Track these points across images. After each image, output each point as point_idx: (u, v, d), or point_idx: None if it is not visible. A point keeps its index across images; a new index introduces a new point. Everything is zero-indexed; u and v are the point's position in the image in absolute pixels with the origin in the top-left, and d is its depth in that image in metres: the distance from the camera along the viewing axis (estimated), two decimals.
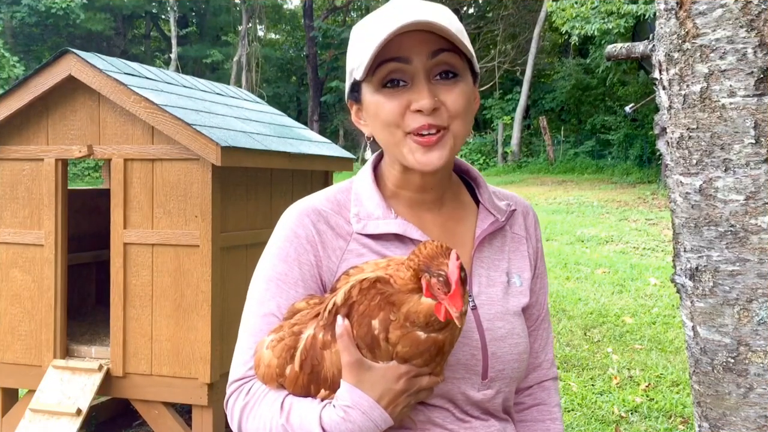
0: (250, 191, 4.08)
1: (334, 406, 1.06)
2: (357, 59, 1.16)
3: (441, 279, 0.99)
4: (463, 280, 1.00)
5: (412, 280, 1.02)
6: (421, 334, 1.02)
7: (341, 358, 1.05)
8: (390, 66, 1.13)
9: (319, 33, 30.86)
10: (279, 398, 1.10)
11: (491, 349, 1.19)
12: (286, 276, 1.18)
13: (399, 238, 1.20)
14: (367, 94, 1.18)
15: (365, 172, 1.28)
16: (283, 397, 1.10)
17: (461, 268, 1.00)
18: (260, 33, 36.97)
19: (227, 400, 1.17)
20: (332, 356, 1.06)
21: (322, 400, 1.08)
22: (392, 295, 1.02)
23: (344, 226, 1.21)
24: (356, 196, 1.24)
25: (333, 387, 1.07)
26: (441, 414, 1.16)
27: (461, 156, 24.45)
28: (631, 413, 4.52)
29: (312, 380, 1.08)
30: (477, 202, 1.32)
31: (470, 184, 1.35)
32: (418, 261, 1.02)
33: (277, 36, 40.05)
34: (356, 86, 1.20)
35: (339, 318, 1.05)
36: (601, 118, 22.96)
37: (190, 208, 3.70)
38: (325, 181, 5.08)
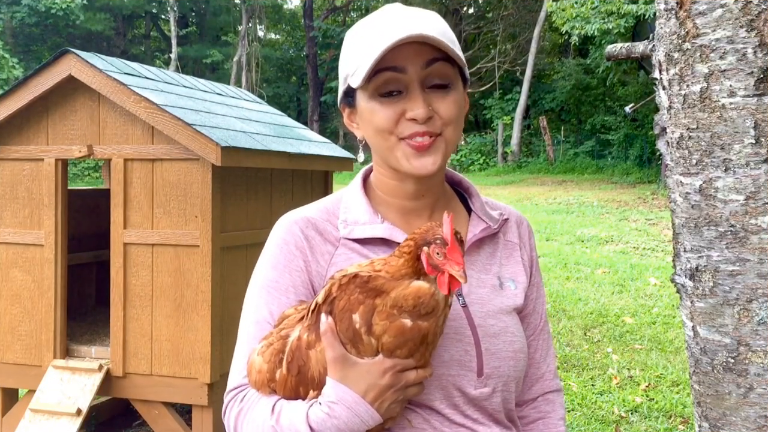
0: (250, 191, 4.08)
1: (320, 403, 1.06)
2: (352, 66, 1.19)
3: (438, 241, 1.01)
4: (460, 241, 1.03)
5: (405, 266, 1.03)
6: (407, 322, 1.02)
7: (326, 354, 1.05)
8: (386, 75, 1.16)
9: (319, 33, 30.86)
10: (270, 402, 1.11)
11: (485, 346, 1.20)
12: (277, 283, 1.21)
13: (386, 243, 1.22)
14: (362, 100, 1.21)
15: (355, 181, 1.31)
16: (274, 401, 1.11)
17: (453, 227, 1.03)
18: (260, 33, 36.97)
19: (224, 410, 1.18)
20: (317, 355, 1.07)
21: None
22: (383, 285, 1.03)
23: (332, 231, 1.24)
24: (345, 204, 1.27)
25: (320, 387, 1.07)
26: (439, 418, 1.16)
27: (461, 156, 24.46)
28: (631, 413, 4.52)
29: (300, 382, 1.09)
30: (469, 212, 1.34)
31: (462, 195, 1.37)
32: (414, 242, 1.04)
33: (277, 36, 40.06)
34: (350, 92, 1.23)
35: (323, 316, 1.06)
36: (601, 118, 22.98)
37: (190, 208, 3.70)
38: (325, 181, 5.07)
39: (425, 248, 1.02)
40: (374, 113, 1.18)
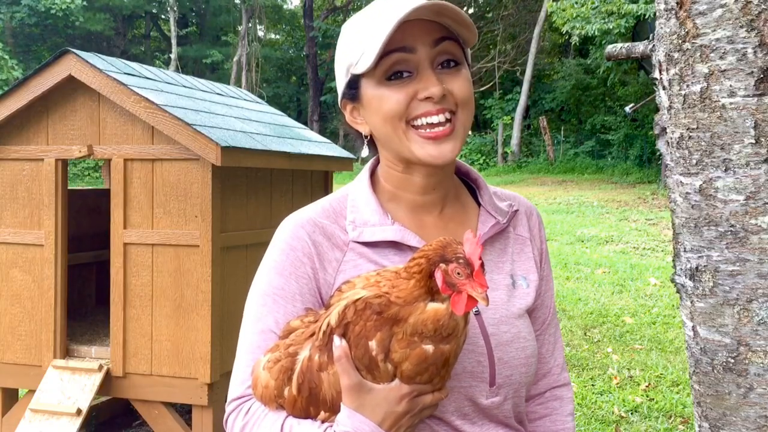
0: (250, 191, 4.08)
1: (335, 431, 1.02)
2: (356, 54, 1.13)
3: (461, 261, 0.96)
4: (482, 264, 0.97)
5: (417, 286, 0.98)
6: (429, 348, 0.98)
7: (341, 381, 1.02)
8: (394, 57, 1.10)
9: (319, 33, 30.86)
10: (279, 420, 1.07)
11: (497, 355, 1.16)
12: (283, 290, 1.15)
13: (396, 246, 1.16)
14: (368, 88, 1.14)
15: (362, 177, 1.24)
16: (283, 418, 1.07)
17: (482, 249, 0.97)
18: (260, 33, 36.98)
19: (227, 419, 1.14)
20: (330, 378, 1.03)
21: (323, 422, 1.05)
22: (398, 312, 0.99)
23: (340, 235, 1.18)
24: (353, 202, 1.21)
25: (333, 408, 1.04)
26: (446, 428, 1.14)
27: (461, 156, 24.47)
28: (631, 413, 4.52)
29: (311, 402, 1.05)
30: (478, 204, 1.28)
31: (471, 186, 1.32)
32: (426, 260, 0.98)
33: (277, 36, 40.08)
34: (353, 83, 1.17)
35: (336, 339, 1.01)
36: (601, 118, 22.99)
37: (190, 208, 3.70)
38: (325, 181, 5.07)
39: (442, 265, 0.97)
40: (383, 99, 1.12)
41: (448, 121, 1.12)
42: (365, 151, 1.24)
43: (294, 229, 1.18)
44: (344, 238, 1.18)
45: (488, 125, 26.15)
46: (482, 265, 0.97)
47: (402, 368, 1.00)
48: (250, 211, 4.07)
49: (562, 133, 23.64)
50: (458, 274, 0.96)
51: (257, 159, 3.94)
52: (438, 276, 0.97)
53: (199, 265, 3.68)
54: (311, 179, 4.87)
